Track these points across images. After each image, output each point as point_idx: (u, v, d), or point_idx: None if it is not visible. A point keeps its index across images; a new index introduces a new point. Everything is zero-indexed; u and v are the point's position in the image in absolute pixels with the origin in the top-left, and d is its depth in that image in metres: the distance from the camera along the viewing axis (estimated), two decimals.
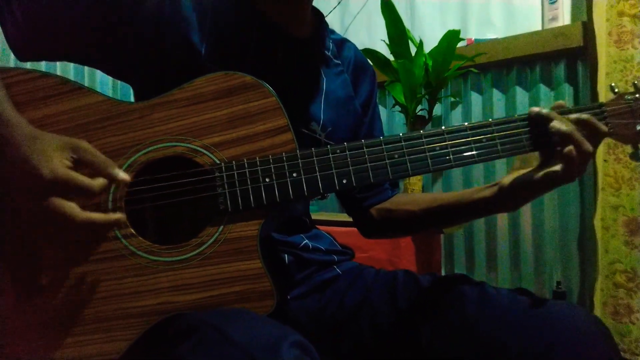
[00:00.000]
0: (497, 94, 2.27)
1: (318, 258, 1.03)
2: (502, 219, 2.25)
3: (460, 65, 2.03)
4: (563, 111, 0.82)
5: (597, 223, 1.93)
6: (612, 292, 1.89)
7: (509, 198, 0.87)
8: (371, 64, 1.21)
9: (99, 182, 0.72)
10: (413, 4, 2.54)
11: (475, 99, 2.33)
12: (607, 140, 1.90)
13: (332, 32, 1.13)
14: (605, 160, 1.91)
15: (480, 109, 2.32)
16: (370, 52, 2.05)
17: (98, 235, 0.77)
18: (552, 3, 2.13)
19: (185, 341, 0.65)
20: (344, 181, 0.79)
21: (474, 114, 2.32)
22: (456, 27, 1.96)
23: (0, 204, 0.76)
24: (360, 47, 1.22)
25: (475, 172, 2.32)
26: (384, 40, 2.08)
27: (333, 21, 2.71)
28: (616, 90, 0.86)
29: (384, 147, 0.80)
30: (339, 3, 2.60)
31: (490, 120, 0.83)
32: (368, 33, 2.66)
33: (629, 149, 0.85)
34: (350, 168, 0.79)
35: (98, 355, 0.75)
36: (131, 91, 1.01)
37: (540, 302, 0.80)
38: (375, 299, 0.95)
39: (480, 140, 0.81)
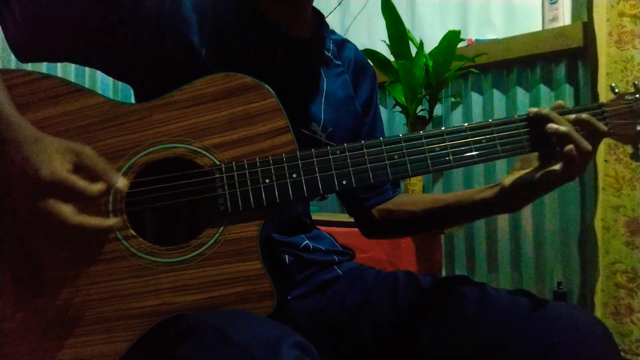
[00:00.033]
0: (497, 95, 2.27)
1: (318, 258, 1.03)
2: (502, 219, 2.25)
3: (460, 66, 2.03)
4: (563, 111, 0.82)
5: (598, 223, 1.93)
6: (613, 292, 1.89)
7: (510, 199, 0.87)
8: (371, 64, 1.21)
9: (97, 187, 0.72)
10: (413, 5, 2.54)
11: (476, 99, 2.33)
12: (608, 141, 1.90)
13: (333, 32, 1.13)
14: (606, 161, 1.91)
15: (480, 109, 2.32)
16: (371, 53, 2.05)
17: (92, 239, 0.77)
18: (553, 3, 2.13)
19: (186, 342, 0.65)
20: (344, 182, 0.79)
21: (474, 115, 2.32)
22: (456, 28, 1.96)
23: (1, 204, 0.76)
24: (360, 47, 1.22)
25: (475, 172, 2.31)
26: (384, 41, 2.09)
27: (333, 22, 2.71)
28: (616, 90, 0.86)
29: (383, 147, 0.80)
30: (340, 4, 2.60)
31: (490, 120, 0.83)
32: (368, 33, 2.66)
33: (629, 149, 0.85)
34: (350, 169, 0.79)
35: (98, 356, 0.75)
36: (132, 93, 1.01)
37: (540, 303, 0.80)
38: (376, 300, 0.95)
39: (480, 141, 0.81)
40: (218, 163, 0.79)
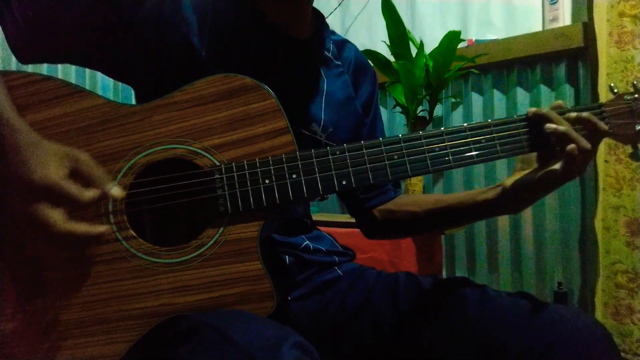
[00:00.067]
0: (497, 95, 2.27)
1: (319, 259, 1.03)
2: (503, 220, 2.25)
3: (460, 66, 2.04)
4: (562, 111, 0.82)
5: (598, 224, 1.93)
6: (613, 292, 1.89)
7: (511, 200, 0.87)
8: (372, 64, 1.21)
9: (89, 194, 0.72)
10: (413, 5, 2.54)
11: (476, 99, 2.33)
12: (608, 141, 1.90)
13: (333, 33, 1.13)
14: (606, 161, 1.91)
15: (481, 109, 2.32)
16: (371, 53, 2.05)
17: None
18: (553, 4, 2.13)
19: (186, 343, 0.65)
20: (344, 182, 0.79)
21: (474, 115, 2.32)
22: (457, 28, 1.96)
23: (1, 206, 0.76)
24: (360, 48, 1.22)
25: (476, 173, 2.32)
26: (384, 41, 2.09)
27: (333, 22, 2.71)
28: (615, 90, 0.86)
29: (383, 148, 0.80)
30: (340, 4, 2.59)
31: (489, 120, 0.83)
32: (369, 34, 2.66)
33: (629, 149, 0.85)
34: (350, 169, 0.79)
35: (98, 357, 0.75)
36: (132, 94, 1.01)
37: (541, 305, 0.80)
38: (377, 301, 0.95)
39: (479, 141, 0.81)
40: (218, 164, 0.79)
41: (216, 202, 0.78)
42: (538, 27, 2.20)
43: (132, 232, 0.78)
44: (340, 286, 1.01)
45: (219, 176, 0.79)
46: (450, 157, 0.81)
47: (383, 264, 1.85)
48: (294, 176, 0.79)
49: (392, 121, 2.54)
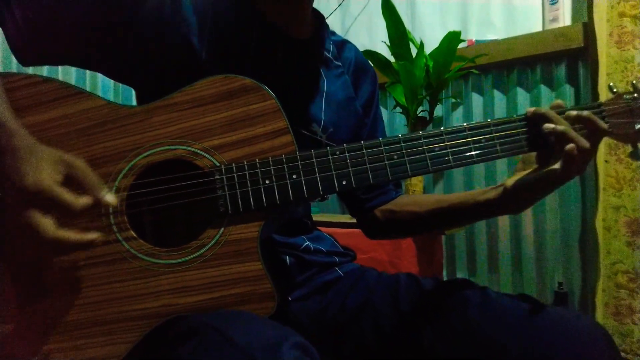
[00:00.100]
0: (498, 95, 2.27)
1: (319, 260, 1.03)
2: (503, 220, 2.25)
3: (461, 67, 2.04)
4: (561, 111, 0.82)
5: (599, 224, 1.93)
6: (613, 292, 1.89)
7: (512, 200, 0.87)
8: (372, 65, 1.21)
9: (82, 201, 0.70)
10: (413, 6, 2.54)
11: (476, 100, 2.33)
12: (609, 141, 1.90)
13: (333, 33, 1.13)
14: (606, 161, 1.91)
15: (481, 110, 2.32)
16: (371, 54, 2.05)
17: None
18: (553, 4, 2.13)
19: (186, 343, 0.65)
20: (344, 182, 0.79)
21: (475, 115, 2.32)
22: (457, 28, 1.96)
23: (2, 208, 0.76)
24: (360, 48, 1.22)
25: (476, 173, 2.32)
26: (384, 42, 2.09)
27: (334, 23, 2.71)
28: (615, 89, 0.86)
29: (383, 148, 0.80)
30: (340, 5, 2.60)
31: (489, 120, 0.83)
32: (369, 34, 2.66)
33: (629, 148, 0.85)
34: (350, 169, 0.80)
35: (99, 358, 0.75)
36: (133, 96, 1.01)
37: (541, 308, 0.80)
38: (378, 301, 0.95)
39: (479, 141, 0.81)
40: (218, 164, 0.79)
41: (216, 202, 0.78)
42: (538, 28, 2.20)
43: (133, 233, 0.78)
44: (340, 287, 1.01)
45: (219, 177, 0.79)
46: (450, 157, 0.81)
47: (383, 264, 1.85)
48: (294, 176, 0.79)
49: (393, 121, 2.54)
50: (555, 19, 2.12)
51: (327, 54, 1.06)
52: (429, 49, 2.07)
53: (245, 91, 0.80)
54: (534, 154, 0.85)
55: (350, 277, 1.03)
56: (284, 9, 0.97)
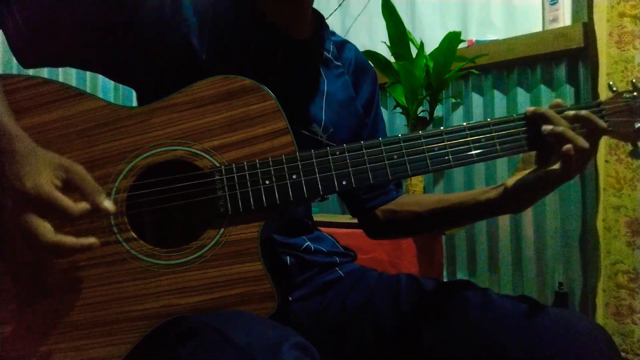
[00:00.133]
0: (498, 95, 2.27)
1: (320, 260, 1.03)
2: (503, 220, 2.25)
3: (461, 67, 2.03)
4: (560, 110, 0.82)
5: (599, 224, 1.93)
6: (614, 292, 1.89)
7: (513, 200, 0.87)
8: (372, 65, 1.21)
9: (80, 207, 0.70)
10: (414, 6, 2.54)
11: (477, 100, 2.33)
12: (609, 141, 1.90)
13: (333, 33, 1.13)
14: (606, 161, 1.91)
15: (481, 110, 2.32)
16: (371, 54, 2.05)
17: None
18: (553, 4, 2.13)
19: (186, 344, 0.65)
20: (344, 182, 0.79)
21: (475, 115, 2.32)
22: (457, 29, 1.96)
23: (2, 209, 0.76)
24: (361, 49, 1.22)
25: (476, 173, 2.32)
26: (384, 42, 2.09)
27: (334, 23, 2.71)
28: (614, 88, 0.86)
29: (383, 148, 0.80)
30: (340, 5, 2.60)
31: (488, 120, 0.83)
32: (369, 35, 2.66)
33: (629, 147, 0.85)
34: (350, 169, 0.80)
35: (99, 358, 0.75)
36: (133, 97, 1.01)
37: (542, 309, 0.80)
38: (378, 302, 0.95)
39: (479, 140, 0.81)
40: (218, 165, 0.79)
41: (216, 203, 0.78)
42: (538, 28, 2.20)
43: (133, 234, 0.78)
44: (341, 287, 1.01)
45: (219, 177, 0.79)
46: (450, 157, 0.81)
47: (384, 265, 1.85)
48: (294, 177, 0.79)
49: (393, 122, 2.54)
50: (555, 19, 2.12)
51: (327, 54, 1.06)
52: (429, 49, 2.07)
53: (245, 92, 0.80)
54: (534, 153, 0.85)
55: (350, 277, 1.03)
56: (284, 9, 0.97)
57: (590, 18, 1.96)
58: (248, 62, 0.93)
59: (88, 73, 2.53)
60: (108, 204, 0.73)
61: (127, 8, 0.86)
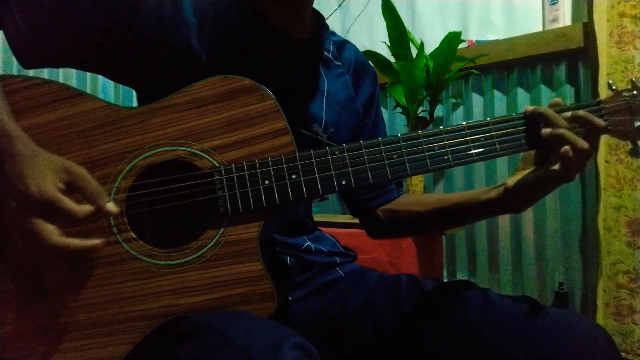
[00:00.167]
0: (498, 95, 2.27)
1: (320, 260, 1.03)
2: (504, 220, 2.25)
3: (461, 67, 2.04)
4: (560, 109, 0.82)
5: (599, 224, 1.93)
6: (614, 292, 1.89)
7: (513, 200, 0.87)
8: (372, 65, 1.21)
9: (84, 209, 0.71)
10: (413, 6, 2.54)
11: (477, 100, 2.33)
12: (609, 141, 1.90)
13: (333, 33, 1.13)
14: (607, 161, 1.91)
15: (481, 110, 2.32)
16: (371, 54, 2.05)
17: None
18: (553, 4, 2.13)
19: (186, 344, 0.65)
20: (343, 182, 0.79)
21: (475, 115, 2.32)
22: (457, 29, 1.96)
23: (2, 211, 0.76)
24: (361, 49, 1.22)
25: (476, 172, 2.32)
26: (384, 42, 2.09)
27: (334, 23, 2.71)
28: (614, 87, 0.86)
29: (382, 147, 0.80)
30: (340, 5, 2.60)
31: (488, 119, 0.83)
32: (369, 35, 2.66)
33: (629, 145, 0.85)
34: (349, 169, 0.80)
35: (100, 359, 0.75)
36: (133, 98, 1.01)
37: (542, 309, 0.80)
38: (379, 302, 0.95)
39: (478, 140, 0.81)
40: (217, 165, 0.79)
41: (216, 203, 0.78)
42: (538, 28, 2.20)
43: (133, 234, 0.78)
44: (341, 287, 1.01)
45: (218, 177, 0.79)
46: (450, 156, 0.81)
47: (384, 265, 1.85)
48: (293, 177, 0.79)
49: (393, 122, 2.54)
50: (555, 19, 2.12)
51: (327, 54, 1.06)
52: (429, 49, 2.07)
53: (244, 92, 0.80)
54: (534, 152, 0.85)
55: (351, 277, 1.03)
56: (284, 9, 0.97)
57: (590, 18, 1.96)
58: (248, 62, 0.93)
59: (88, 73, 2.53)
60: (111, 206, 0.74)
61: (127, 8, 0.86)
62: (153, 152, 0.80)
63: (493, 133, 0.82)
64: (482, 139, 0.81)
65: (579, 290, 2.09)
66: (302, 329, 0.84)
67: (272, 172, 0.79)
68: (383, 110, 2.28)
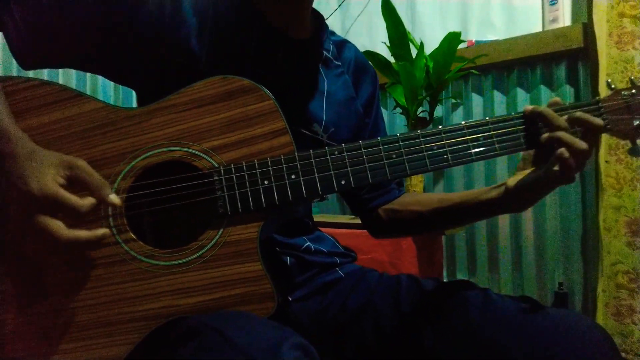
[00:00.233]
0: (498, 95, 2.27)
1: (320, 260, 1.03)
2: (503, 220, 2.25)
3: (460, 67, 2.04)
4: (559, 108, 0.82)
5: (599, 224, 1.93)
6: (614, 293, 1.89)
7: (513, 199, 0.87)
8: (372, 65, 1.21)
9: (88, 202, 0.71)
10: (413, 6, 2.55)
11: (476, 100, 2.33)
12: (609, 141, 1.90)
13: (333, 33, 1.13)
14: (606, 161, 1.91)
15: (481, 110, 2.32)
16: (371, 54, 2.06)
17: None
18: (553, 4, 2.13)
19: (186, 344, 0.65)
20: (343, 182, 0.79)
21: (475, 116, 2.32)
22: (457, 29, 1.97)
23: (2, 212, 0.76)
24: (361, 49, 1.22)
25: (476, 172, 2.32)
26: (384, 43, 2.09)
27: (334, 24, 2.71)
28: (613, 86, 0.86)
29: (381, 147, 0.80)
30: (340, 5, 2.60)
31: (487, 118, 0.83)
32: (369, 35, 2.66)
33: (629, 144, 0.85)
34: (349, 169, 0.80)
35: (100, 359, 0.75)
36: (133, 98, 1.01)
37: (542, 309, 0.80)
38: (379, 302, 0.95)
39: (477, 139, 0.81)
40: (217, 165, 0.79)
41: (215, 203, 0.78)
42: (538, 28, 2.20)
43: (132, 235, 0.78)
44: (341, 287, 1.01)
45: (217, 178, 0.79)
46: (449, 156, 0.81)
47: (384, 265, 1.85)
48: (292, 177, 0.79)
49: (393, 122, 2.54)
50: (555, 20, 2.12)
51: (327, 54, 1.06)
52: (429, 49, 2.07)
53: (243, 92, 0.80)
54: (533, 152, 0.85)
55: (351, 277, 1.03)
56: (284, 9, 0.97)
57: (590, 18, 1.97)
58: (248, 63, 0.93)
59: (88, 74, 2.53)
60: (114, 198, 0.74)
61: (127, 8, 0.86)
62: (152, 152, 0.80)
63: (492, 133, 0.82)
64: (481, 138, 0.81)
65: (579, 291, 2.09)
66: (302, 329, 0.84)
67: (271, 173, 0.79)
68: (383, 110, 2.28)
